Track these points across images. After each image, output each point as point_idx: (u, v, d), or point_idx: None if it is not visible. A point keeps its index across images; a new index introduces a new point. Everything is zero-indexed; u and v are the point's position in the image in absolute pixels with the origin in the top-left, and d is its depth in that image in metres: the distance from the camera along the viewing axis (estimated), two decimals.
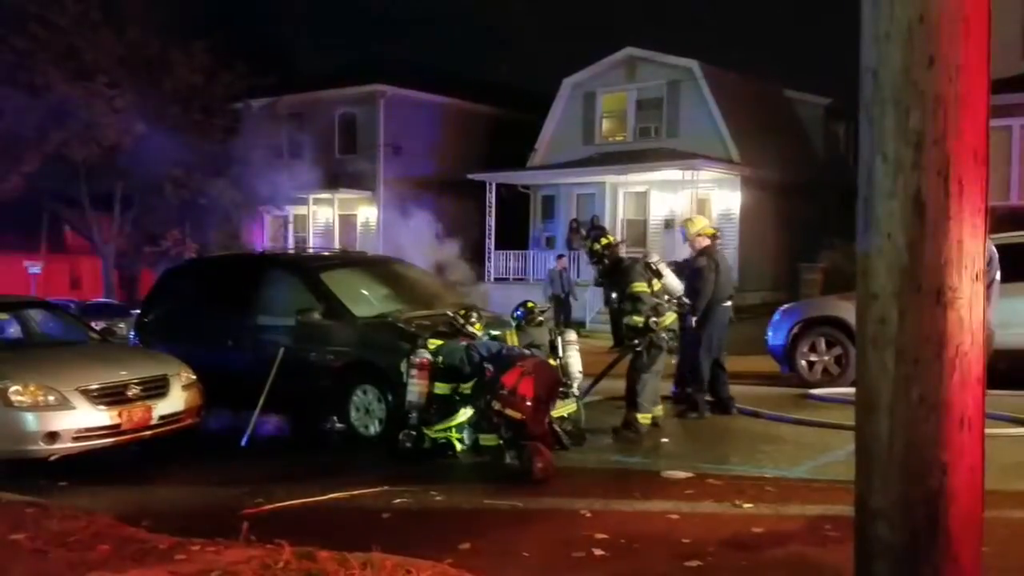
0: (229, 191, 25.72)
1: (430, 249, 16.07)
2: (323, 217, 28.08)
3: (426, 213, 18.50)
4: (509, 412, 6.88)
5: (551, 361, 7.92)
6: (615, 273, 8.43)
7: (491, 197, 24.28)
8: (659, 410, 8.37)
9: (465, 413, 7.45)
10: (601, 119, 24.61)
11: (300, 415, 9.35)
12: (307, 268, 9.72)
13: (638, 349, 8.14)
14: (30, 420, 7.22)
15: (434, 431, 7.48)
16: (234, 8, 33.47)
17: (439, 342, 7.75)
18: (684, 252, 11.20)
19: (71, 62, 23.91)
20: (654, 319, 8.06)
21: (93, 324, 10.73)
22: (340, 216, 27.38)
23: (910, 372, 2.53)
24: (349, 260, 10.97)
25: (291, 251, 19.65)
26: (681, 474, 6.58)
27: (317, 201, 27.41)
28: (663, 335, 8.12)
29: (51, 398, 7.33)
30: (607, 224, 21.72)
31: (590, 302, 19.73)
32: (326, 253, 12.67)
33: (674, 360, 9.27)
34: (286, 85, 27.03)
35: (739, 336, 10.41)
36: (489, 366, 7.25)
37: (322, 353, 8.73)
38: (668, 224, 22.15)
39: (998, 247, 7.29)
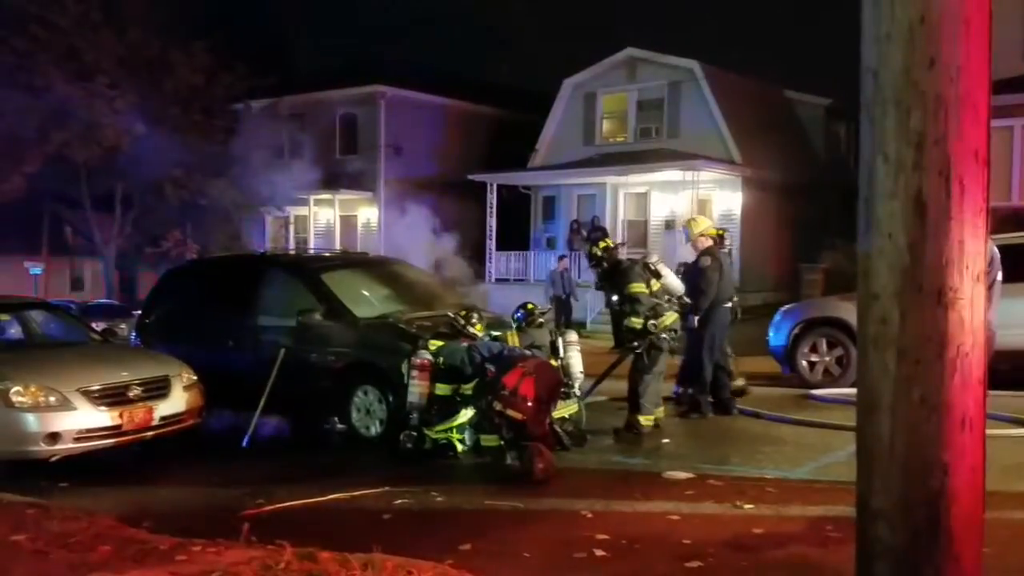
0: (230, 192, 25.74)
1: (431, 250, 16.09)
2: (324, 218, 28.09)
3: (427, 214, 18.52)
4: (510, 413, 6.88)
5: (552, 362, 7.92)
6: (614, 275, 8.44)
7: (492, 198, 24.29)
8: (660, 411, 8.38)
9: (466, 414, 7.45)
10: (602, 120, 24.62)
11: (301, 416, 9.35)
12: (308, 269, 9.72)
13: (638, 351, 8.15)
14: (31, 421, 7.22)
15: (435, 432, 7.49)
16: (234, 8, 33.49)
17: (440, 343, 7.75)
18: (685, 253, 11.21)
19: (72, 63, 23.92)
20: (652, 321, 8.07)
21: (94, 325, 10.74)
22: (341, 217, 27.39)
23: (911, 373, 2.53)
24: (350, 261, 10.98)
25: (292, 252, 19.67)
26: (682, 475, 6.58)
27: (318, 202, 27.42)
28: (663, 336, 8.12)
29: (52, 399, 7.33)
30: (608, 225, 21.72)
31: (591, 303, 19.72)
32: (327, 254, 12.68)
33: (676, 360, 9.26)
34: (286, 86, 27.04)
35: (740, 336, 10.40)
36: (491, 367, 7.25)
37: (323, 354, 8.73)
38: (669, 225, 22.16)
39: (999, 248, 7.29)
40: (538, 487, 6.36)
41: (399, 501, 6.13)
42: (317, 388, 8.62)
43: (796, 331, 10.79)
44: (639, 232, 22.98)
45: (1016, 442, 7.37)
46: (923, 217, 2.51)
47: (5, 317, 9.54)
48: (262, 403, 8.56)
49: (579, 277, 20.47)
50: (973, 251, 2.53)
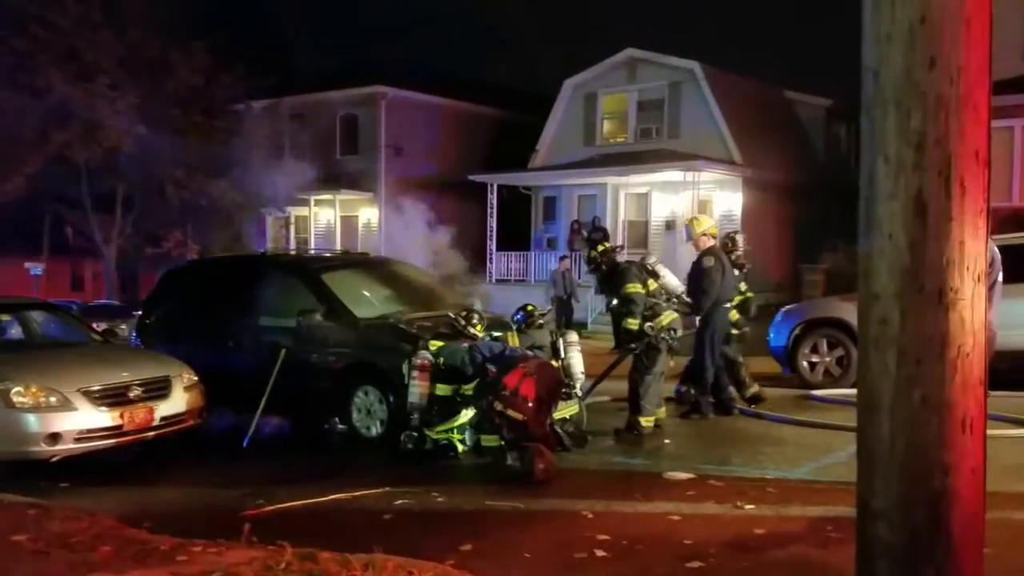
0: (230, 192, 25.71)
1: (431, 250, 16.08)
2: (324, 218, 28.10)
3: (427, 214, 18.51)
4: (511, 413, 6.88)
5: (553, 362, 7.92)
6: (612, 277, 8.45)
7: (492, 198, 24.29)
8: (661, 412, 8.38)
9: (466, 414, 7.46)
10: (602, 120, 24.61)
11: (301, 416, 9.36)
12: (308, 269, 9.73)
13: (635, 352, 8.17)
14: (32, 421, 7.23)
15: (435, 432, 7.49)
16: (234, 9, 33.50)
17: (440, 343, 7.76)
18: (685, 253, 11.19)
19: (72, 63, 23.91)
20: (649, 323, 8.08)
21: (95, 325, 10.73)
22: (341, 217, 27.39)
23: (912, 373, 2.53)
24: (350, 261, 10.97)
25: (292, 252, 19.66)
26: (683, 475, 6.58)
27: (318, 202, 27.43)
28: (662, 336, 8.13)
29: (53, 399, 7.33)
30: (608, 225, 21.72)
31: (591, 304, 19.72)
32: (327, 254, 12.67)
33: (672, 362, 9.24)
34: (287, 86, 27.04)
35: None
36: (491, 367, 7.25)
37: (323, 354, 8.73)
38: (669, 225, 22.17)
39: (1000, 248, 7.29)
40: (539, 488, 6.36)
41: (400, 501, 6.13)
42: (317, 388, 8.62)
43: (797, 332, 10.79)
44: (640, 233, 22.98)
45: (1017, 442, 7.37)
46: (924, 218, 2.51)
47: (6, 317, 9.55)
48: (263, 403, 8.57)
49: (580, 278, 20.47)
50: (974, 252, 2.53)
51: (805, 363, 10.74)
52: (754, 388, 9.37)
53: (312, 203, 27.12)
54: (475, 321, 8.10)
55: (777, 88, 25.50)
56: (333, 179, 26.38)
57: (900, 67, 2.53)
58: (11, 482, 6.82)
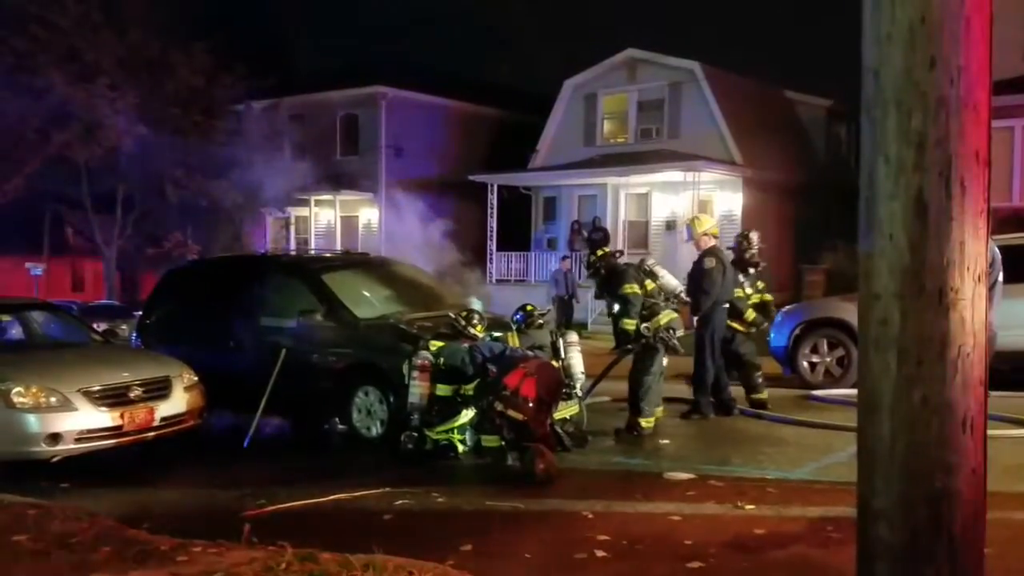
0: (231, 193, 25.72)
1: (432, 250, 16.08)
2: (325, 219, 28.11)
3: (428, 214, 18.53)
4: (511, 413, 6.88)
5: (553, 363, 7.92)
6: (610, 280, 8.45)
7: (493, 199, 24.30)
8: (659, 411, 8.39)
9: (467, 414, 7.45)
10: (602, 120, 24.62)
11: (302, 417, 9.36)
12: (309, 270, 9.73)
13: (630, 352, 8.18)
14: (32, 421, 7.22)
15: (436, 432, 7.49)
16: (234, 9, 33.50)
17: (441, 343, 7.76)
18: (686, 253, 11.19)
19: (72, 63, 23.92)
20: (645, 324, 8.09)
21: (95, 325, 10.73)
22: (342, 217, 27.40)
23: (912, 373, 2.53)
24: (351, 262, 10.97)
25: (293, 253, 19.66)
26: (683, 475, 6.58)
27: (319, 203, 27.43)
28: (660, 335, 8.13)
29: (53, 399, 7.33)
30: (609, 226, 21.71)
31: (592, 304, 19.72)
32: (328, 255, 12.67)
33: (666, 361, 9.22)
34: (287, 87, 27.06)
35: None
36: (492, 367, 7.25)
37: (324, 355, 8.73)
38: (670, 226, 22.17)
39: (1001, 248, 7.29)
40: (539, 488, 6.36)
41: (400, 502, 6.13)
42: (318, 389, 8.62)
43: (797, 332, 10.79)
44: (640, 233, 22.99)
45: (1017, 443, 7.36)
46: (924, 218, 2.51)
47: (6, 318, 9.55)
48: (263, 404, 8.57)
49: (581, 278, 20.47)
50: (974, 252, 2.53)
51: (805, 363, 10.74)
52: (763, 395, 9.27)
53: (312, 203, 27.13)
54: (475, 321, 8.10)
55: (777, 88, 25.51)
56: (333, 179, 26.38)
57: (900, 67, 2.53)
58: (11, 482, 6.81)
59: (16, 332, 9.45)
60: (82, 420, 7.36)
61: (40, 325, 9.52)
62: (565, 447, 7.49)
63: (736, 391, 9.29)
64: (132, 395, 7.73)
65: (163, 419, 7.87)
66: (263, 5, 38.41)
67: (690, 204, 20.49)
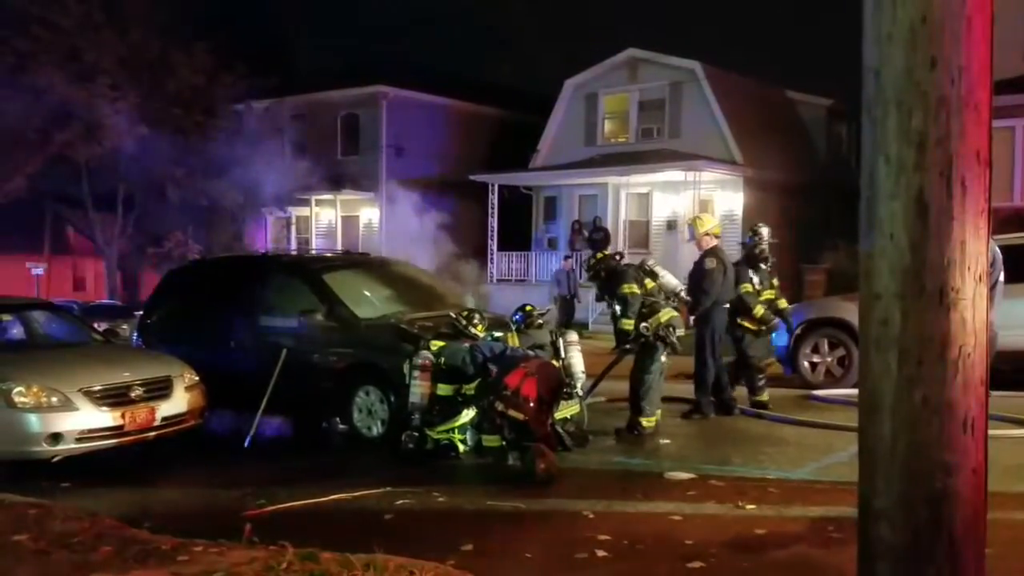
0: (231, 192, 25.76)
1: (433, 250, 16.10)
2: (326, 218, 28.11)
3: (429, 214, 18.55)
4: (512, 413, 6.88)
5: (554, 362, 7.92)
6: (610, 281, 8.45)
7: (493, 198, 24.30)
8: (658, 413, 8.38)
9: (468, 414, 7.46)
10: (603, 120, 24.61)
11: (303, 416, 9.35)
12: (310, 269, 9.73)
13: (629, 352, 8.18)
14: (33, 421, 7.23)
15: (437, 432, 7.49)
16: (235, 9, 33.48)
17: (441, 343, 7.76)
18: (686, 253, 11.19)
19: (73, 63, 23.94)
20: (644, 324, 8.09)
21: (96, 325, 10.73)
22: (343, 217, 27.41)
23: (913, 373, 2.53)
24: (352, 261, 10.97)
25: (294, 252, 19.67)
26: (684, 475, 6.58)
27: (319, 202, 27.44)
28: (661, 332, 8.13)
29: (54, 399, 7.33)
30: (609, 226, 21.72)
31: (592, 304, 19.71)
32: (329, 254, 12.68)
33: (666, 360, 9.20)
34: (288, 86, 27.06)
35: None
36: (493, 367, 7.25)
37: (325, 354, 8.73)
38: (671, 225, 22.17)
39: (1001, 248, 7.29)
40: (540, 487, 6.35)
41: (401, 501, 6.13)
42: (319, 389, 8.62)
43: (798, 332, 10.78)
44: (641, 233, 22.98)
45: (1018, 443, 7.35)
46: (925, 218, 2.51)
47: (7, 317, 9.55)
48: (264, 404, 8.57)
49: (581, 278, 20.47)
50: (975, 251, 2.53)
51: (806, 363, 10.73)
52: (763, 397, 9.24)
53: (313, 203, 27.14)
54: (476, 321, 8.10)
55: (778, 88, 25.50)
56: (334, 179, 26.39)
57: (901, 67, 2.52)
58: (12, 482, 6.82)
59: (17, 332, 9.46)
60: (83, 420, 7.36)
61: (41, 325, 9.52)
62: (566, 447, 7.49)
63: (739, 391, 9.29)
64: (133, 395, 7.73)
65: (164, 419, 7.88)
66: (264, 5, 38.38)
67: (691, 204, 20.48)
